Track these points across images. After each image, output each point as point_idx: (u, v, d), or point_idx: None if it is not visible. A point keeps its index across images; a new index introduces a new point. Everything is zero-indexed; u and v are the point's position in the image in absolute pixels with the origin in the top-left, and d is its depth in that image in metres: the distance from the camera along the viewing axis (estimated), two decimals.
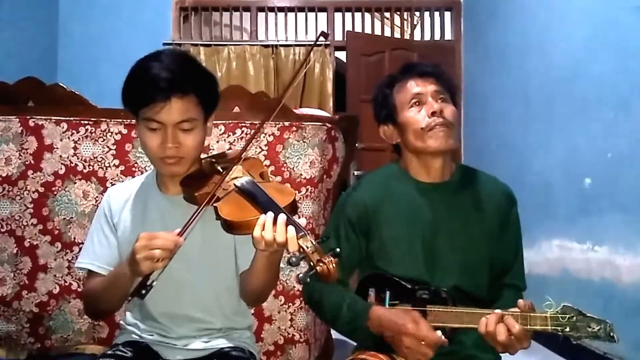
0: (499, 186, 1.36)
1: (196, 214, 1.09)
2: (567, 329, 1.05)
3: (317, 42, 1.25)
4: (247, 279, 1.21)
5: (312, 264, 0.95)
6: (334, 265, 0.94)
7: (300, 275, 0.95)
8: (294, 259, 0.96)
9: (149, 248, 1.03)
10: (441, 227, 1.28)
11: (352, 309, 1.24)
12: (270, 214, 1.01)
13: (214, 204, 1.10)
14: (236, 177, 1.15)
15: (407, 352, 1.14)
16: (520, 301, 1.11)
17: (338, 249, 0.97)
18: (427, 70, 1.33)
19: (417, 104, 1.30)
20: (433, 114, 1.27)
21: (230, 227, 1.06)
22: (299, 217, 1.05)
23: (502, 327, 1.07)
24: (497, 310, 1.11)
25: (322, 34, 1.28)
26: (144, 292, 1.06)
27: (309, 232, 0.99)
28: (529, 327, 1.07)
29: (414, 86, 1.31)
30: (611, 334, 1.04)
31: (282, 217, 1.00)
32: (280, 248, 1.01)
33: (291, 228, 0.99)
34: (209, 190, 1.12)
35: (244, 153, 1.20)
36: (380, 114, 1.38)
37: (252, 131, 1.79)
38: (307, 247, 0.96)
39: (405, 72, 1.35)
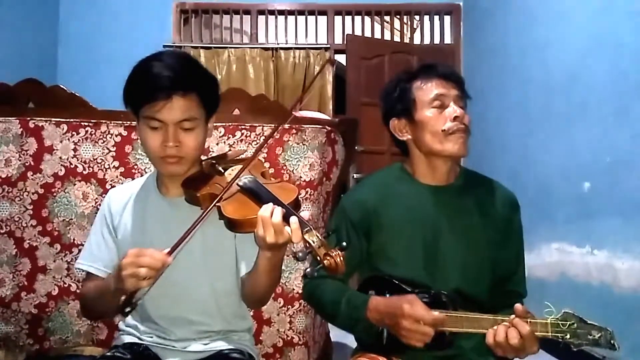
0: (503, 192, 1.35)
1: (190, 231, 1.06)
2: (568, 336, 1.04)
3: None
4: (249, 281, 1.21)
5: (319, 258, 0.94)
6: (341, 258, 0.93)
7: (307, 270, 0.94)
8: (300, 254, 0.94)
9: (136, 265, 1.01)
10: (443, 230, 1.28)
11: (352, 302, 1.24)
12: (270, 206, 1.00)
13: (217, 204, 1.10)
14: None
15: (408, 334, 1.13)
16: (518, 306, 1.10)
17: (344, 243, 0.96)
18: (450, 74, 1.32)
19: (439, 105, 1.29)
20: (456, 118, 1.26)
21: (233, 225, 1.06)
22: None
23: (513, 331, 1.07)
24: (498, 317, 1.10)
25: None
26: (127, 309, 1.03)
27: (313, 227, 0.98)
28: None
29: (438, 87, 1.29)
30: (612, 341, 1.03)
31: (285, 211, 1.00)
32: (284, 242, 1.00)
33: (294, 219, 0.98)
34: (211, 191, 1.12)
35: (253, 160, 1.19)
36: (394, 107, 1.35)
37: (256, 134, 1.80)
38: (314, 242, 0.94)
39: (427, 70, 1.33)
